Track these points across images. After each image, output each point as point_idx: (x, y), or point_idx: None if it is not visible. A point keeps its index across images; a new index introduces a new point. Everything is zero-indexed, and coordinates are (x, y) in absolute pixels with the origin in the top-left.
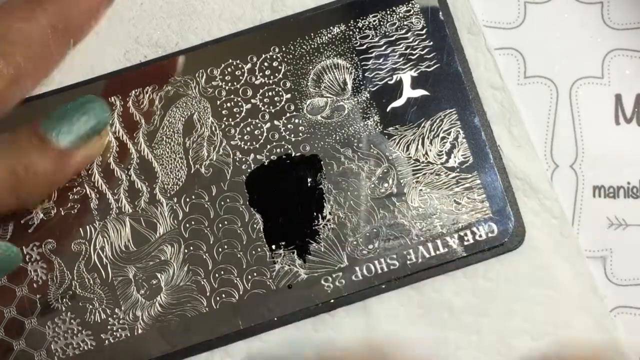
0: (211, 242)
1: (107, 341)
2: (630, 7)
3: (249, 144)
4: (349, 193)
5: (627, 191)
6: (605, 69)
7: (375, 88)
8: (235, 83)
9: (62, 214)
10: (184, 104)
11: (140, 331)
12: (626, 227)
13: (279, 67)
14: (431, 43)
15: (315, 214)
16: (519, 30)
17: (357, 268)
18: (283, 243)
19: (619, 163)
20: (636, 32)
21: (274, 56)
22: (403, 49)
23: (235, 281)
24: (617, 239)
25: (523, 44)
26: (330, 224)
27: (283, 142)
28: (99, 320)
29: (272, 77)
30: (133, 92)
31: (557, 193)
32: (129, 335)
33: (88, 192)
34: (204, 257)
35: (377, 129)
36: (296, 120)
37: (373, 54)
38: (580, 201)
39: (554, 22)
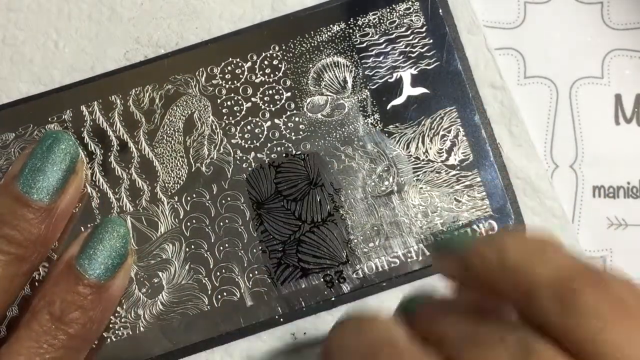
0: (212, 241)
1: (109, 339)
2: (630, 7)
3: (249, 142)
4: (349, 191)
5: (627, 191)
6: (605, 69)
7: (375, 86)
8: (235, 81)
9: None
10: (185, 103)
11: (142, 329)
12: (626, 227)
13: (279, 66)
14: (431, 41)
15: (315, 211)
16: (519, 30)
17: (357, 266)
18: (284, 241)
19: (619, 163)
20: (636, 32)
21: (274, 54)
22: (403, 46)
23: (237, 279)
24: (617, 239)
25: (523, 44)
26: (330, 222)
27: (283, 141)
28: None
29: (272, 75)
30: (133, 91)
31: (557, 193)
32: (130, 333)
33: (89, 191)
34: (205, 255)
35: (378, 127)
36: (296, 119)
37: (373, 52)
38: (580, 201)
39: (554, 22)
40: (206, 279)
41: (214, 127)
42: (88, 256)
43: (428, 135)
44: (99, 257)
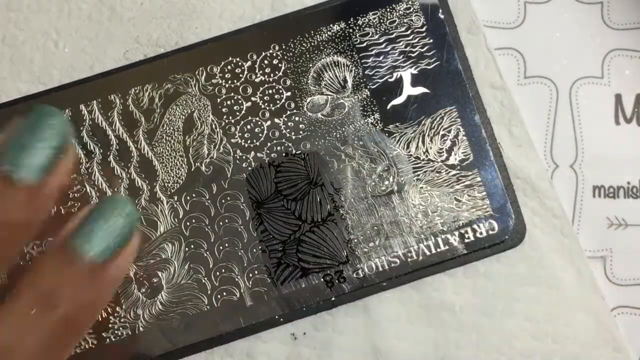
0: (212, 240)
1: (108, 340)
2: (630, 7)
3: (249, 141)
4: (349, 191)
5: (627, 191)
6: (605, 69)
7: (375, 86)
8: (235, 81)
9: (63, 212)
10: (184, 102)
11: (141, 330)
12: (626, 227)
13: (279, 65)
14: (431, 41)
15: (315, 211)
16: (519, 30)
17: (358, 266)
18: (284, 241)
19: (619, 163)
20: (636, 32)
21: (274, 54)
22: (403, 46)
23: (237, 279)
24: (617, 239)
25: (523, 44)
26: (330, 222)
27: (283, 140)
28: (100, 319)
29: (272, 74)
30: (133, 90)
31: (557, 193)
32: (130, 333)
33: (88, 190)
34: (205, 255)
35: (378, 127)
36: (296, 118)
37: (373, 52)
38: (580, 201)
39: (554, 22)
40: (206, 278)
41: (213, 126)
42: (85, 232)
43: (428, 135)
44: (97, 234)
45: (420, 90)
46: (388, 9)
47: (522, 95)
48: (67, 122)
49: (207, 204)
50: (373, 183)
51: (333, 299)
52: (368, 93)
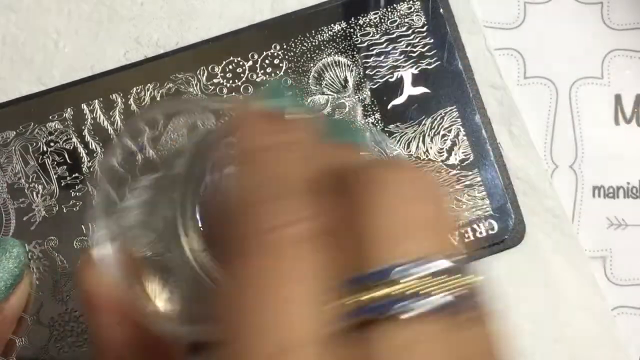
0: None
1: None
2: (630, 7)
3: None
4: None
5: (627, 191)
6: (605, 69)
7: (376, 85)
8: (236, 80)
9: (64, 211)
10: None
11: None
12: (626, 227)
13: (280, 65)
14: (432, 40)
15: None
16: (519, 30)
17: None
18: None
19: (619, 163)
20: (636, 32)
21: (275, 53)
22: (404, 46)
23: None
24: (617, 239)
25: (523, 44)
26: None
27: None
28: None
29: (273, 74)
30: (134, 89)
31: (557, 193)
32: None
33: (90, 189)
34: None
35: (378, 127)
36: None
37: (374, 52)
38: (580, 201)
39: (554, 22)
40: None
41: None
42: None
43: (429, 135)
44: None
45: (420, 90)
46: (389, 9)
47: (522, 95)
48: (24, 249)
49: None
50: None
51: None
52: (369, 93)
